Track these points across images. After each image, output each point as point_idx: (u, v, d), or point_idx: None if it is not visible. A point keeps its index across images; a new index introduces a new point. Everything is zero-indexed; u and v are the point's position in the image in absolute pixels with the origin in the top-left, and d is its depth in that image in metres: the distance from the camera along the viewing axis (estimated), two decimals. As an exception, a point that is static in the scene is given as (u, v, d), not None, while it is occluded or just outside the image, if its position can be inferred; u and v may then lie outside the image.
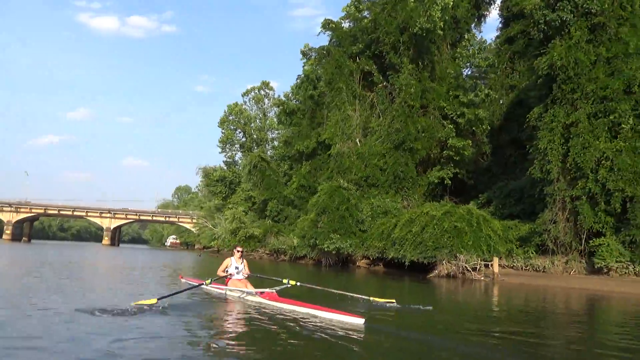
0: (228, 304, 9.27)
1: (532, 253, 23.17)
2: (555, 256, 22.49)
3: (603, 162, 20.86)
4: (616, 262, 20.17)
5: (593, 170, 21.13)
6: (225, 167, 66.69)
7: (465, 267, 21.83)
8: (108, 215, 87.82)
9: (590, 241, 21.29)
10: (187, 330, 6.28)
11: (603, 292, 17.35)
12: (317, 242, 28.07)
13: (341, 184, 29.75)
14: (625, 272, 20.04)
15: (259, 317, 7.69)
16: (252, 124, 64.70)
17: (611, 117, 20.94)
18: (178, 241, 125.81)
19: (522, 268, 23.19)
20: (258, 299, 9.41)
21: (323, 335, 6.22)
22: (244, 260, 10.67)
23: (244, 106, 66.07)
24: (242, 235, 42.17)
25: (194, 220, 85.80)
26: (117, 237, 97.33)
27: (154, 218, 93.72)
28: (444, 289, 17.24)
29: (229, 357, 4.95)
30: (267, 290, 9.55)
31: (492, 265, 21.55)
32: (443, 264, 22.90)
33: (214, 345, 5.44)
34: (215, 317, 8.00)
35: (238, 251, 10.63)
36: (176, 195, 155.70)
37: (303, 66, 49.15)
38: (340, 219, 28.37)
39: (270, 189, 48.66)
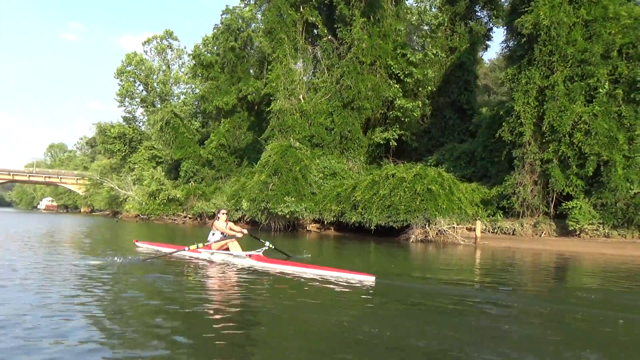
0: (226, 268, 9.16)
1: (500, 216, 22.60)
2: (524, 219, 22.12)
3: (579, 125, 20.53)
4: (589, 224, 20.16)
5: (568, 134, 20.74)
6: (124, 123, 59.54)
7: (446, 230, 20.56)
8: (-26, 174, 75.21)
9: (563, 204, 21.12)
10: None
11: (594, 254, 17.00)
12: (269, 205, 25.15)
13: (292, 143, 26.86)
14: (596, 234, 20.12)
15: (261, 278, 7.88)
16: (155, 76, 58.03)
17: (589, 81, 20.55)
18: (55, 204, 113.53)
19: (489, 231, 22.58)
20: (250, 261, 9.52)
21: (337, 293, 6.59)
22: (229, 223, 10.71)
23: (144, 56, 58.93)
24: (162, 199, 37.53)
25: (80, 181, 77.07)
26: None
27: (31, 178, 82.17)
28: (428, 253, 15.69)
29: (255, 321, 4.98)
30: (253, 252, 9.74)
31: (474, 229, 20.50)
32: (418, 228, 21.45)
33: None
34: (215, 280, 7.85)
35: (223, 214, 10.69)
36: (49, 154, 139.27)
37: (222, 14, 44.30)
38: (293, 181, 25.64)
39: (184, 147, 44.33)
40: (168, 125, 44.14)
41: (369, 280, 7.77)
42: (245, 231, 10.54)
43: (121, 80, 57.16)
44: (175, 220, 38.52)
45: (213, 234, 10.61)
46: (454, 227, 21.11)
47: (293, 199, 25.53)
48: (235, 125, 45.39)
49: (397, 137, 30.63)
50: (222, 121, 44.16)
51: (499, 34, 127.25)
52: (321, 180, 27.53)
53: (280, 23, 30.98)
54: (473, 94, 33.40)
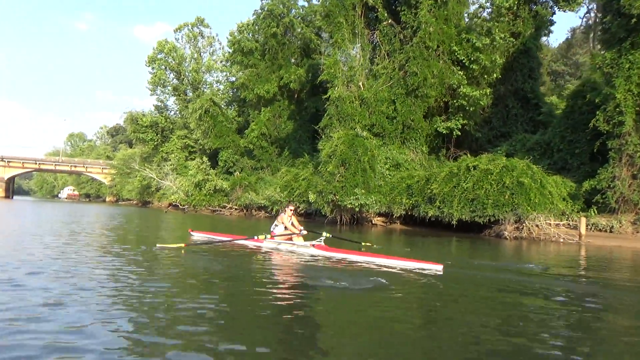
0: (289, 256, 9.41)
1: (594, 212, 20.68)
2: (622, 215, 20.19)
3: (691, 114, 18.51)
4: (702, 221, 18.22)
5: (677, 123, 18.75)
6: (156, 112, 57.92)
7: (544, 226, 18.71)
8: (1, 163, 73.89)
9: (670, 199, 19.16)
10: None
11: None
12: (337, 197, 23.42)
13: (358, 132, 25.04)
14: None
15: (325, 266, 8.15)
16: (187, 64, 56.22)
17: None
18: (77, 193, 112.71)
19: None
20: (314, 250, 9.79)
21: (405, 281, 6.85)
22: (292, 219, 11.00)
23: (176, 44, 57.09)
24: (208, 189, 35.86)
25: (106, 171, 75.86)
26: (12, 188, 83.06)
27: (57, 167, 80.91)
28: (530, 250, 13.90)
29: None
30: (315, 242, 10.04)
31: (579, 225, 18.63)
32: (508, 224, 19.63)
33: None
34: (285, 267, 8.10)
35: (291, 209, 11.04)
36: (69, 143, 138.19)
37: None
38: (362, 172, 23.87)
39: (223, 136, 42.65)
40: (207, 114, 42.49)
41: (436, 268, 7.99)
42: (305, 232, 10.68)
43: (153, 68, 55.40)
44: (221, 211, 36.88)
45: (276, 226, 11.03)
46: (550, 224, 19.24)
47: (363, 190, 23.75)
48: (276, 114, 43.64)
49: (460, 126, 28.63)
50: (262, 110, 42.33)
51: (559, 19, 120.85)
52: (387, 172, 25.73)
53: (339, 6, 29.03)
54: (537, 82, 31.35)
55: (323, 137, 29.18)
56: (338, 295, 5.72)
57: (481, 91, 27.80)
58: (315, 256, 9.53)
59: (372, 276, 7.06)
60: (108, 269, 6.86)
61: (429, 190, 22.86)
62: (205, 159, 38.76)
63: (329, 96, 28.90)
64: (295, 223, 11.08)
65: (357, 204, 23.63)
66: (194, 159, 51.23)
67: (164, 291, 5.40)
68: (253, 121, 42.92)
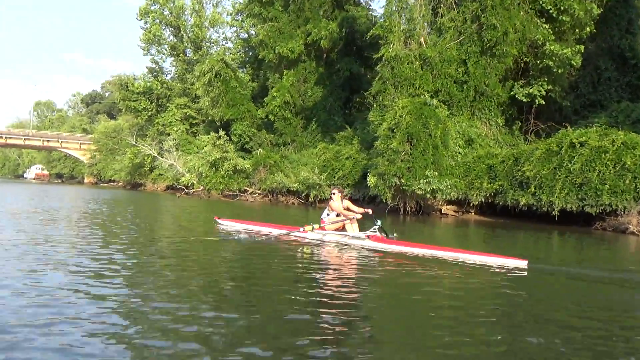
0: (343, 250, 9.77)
1: None
2: None
3: None
4: None
5: None
6: (150, 76, 56.50)
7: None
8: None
9: None
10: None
11: None
12: (403, 181, 22.22)
13: (427, 100, 23.72)
14: None
15: (385, 262, 8.65)
16: (188, 18, 54.59)
17: None
18: (46, 172, 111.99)
19: None
20: (370, 243, 10.00)
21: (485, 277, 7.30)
22: (344, 202, 11.25)
23: (173, -6, 55.37)
24: (227, 170, 34.65)
25: (85, 147, 74.86)
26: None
27: (27, 142, 79.73)
28: None
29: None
30: (370, 232, 10.18)
31: None
32: (631, 215, 18.43)
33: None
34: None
35: (335, 194, 11.32)
36: (35, 113, 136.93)
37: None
38: (433, 150, 22.63)
39: (237, 106, 41.29)
40: (217, 78, 41.03)
41: (521, 264, 8.19)
42: (370, 211, 10.81)
43: (146, 23, 53.78)
44: (241, 196, 35.72)
45: (328, 215, 11.16)
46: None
47: (436, 173, 22.53)
48: (301, 78, 42.23)
49: (544, 93, 27.22)
50: (284, 73, 40.84)
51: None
52: (460, 149, 24.50)
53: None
54: (636, 38, 29.75)
55: (374, 105, 27.86)
56: (399, 300, 5.88)
57: (573, 48, 26.28)
58: (372, 250, 9.77)
59: (440, 272, 7.56)
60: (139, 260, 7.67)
61: (519, 173, 21.67)
62: (222, 133, 37.37)
63: (382, 56, 27.47)
64: (352, 206, 11.19)
65: (427, 189, 22.40)
66: (196, 133, 50.08)
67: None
68: (273, 87, 41.48)
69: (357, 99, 44.54)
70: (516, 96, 27.66)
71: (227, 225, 12.91)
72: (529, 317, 5.26)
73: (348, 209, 11.07)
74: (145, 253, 8.48)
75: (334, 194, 11.44)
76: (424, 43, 27.68)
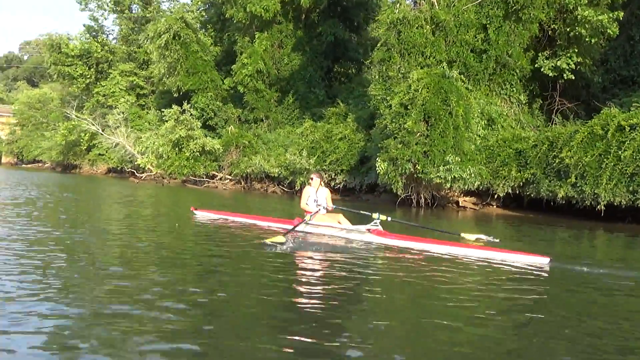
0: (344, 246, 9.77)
1: None
2: None
3: None
4: None
5: None
6: (88, 37, 53.77)
7: None
8: None
9: None
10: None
11: None
12: (418, 168, 21.24)
13: (446, 71, 22.71)
14: None
15: (391, 258, 8.83)
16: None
17: None
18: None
19: None
20: (372, 237, 10.18)
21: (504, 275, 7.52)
22: (326, 190, 11.59)
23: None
24: (193, 150, 32.90)
25: (2, 121, 71.43)
26: None
27: None
28: None
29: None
30: (371, 226, 10.32)
31: None
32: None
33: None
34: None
35: (311, 178, 11.68)
36: None
37: None
38: (454, 132, 21.71)
39: (198, 74, 39.54)
40: (176, 40, 38.99)
41: (541, 262, 8.45)
42: (331, 206, 11.20)
43: (83, -28, 50.91)
44: (209, 182, 34.06)
45: (307, 205, 11.33)
46: None
47: (458, 158, 21.62)
48: (275, 43, 40.67)
49: (573, 66, 26.56)
50: (257, 36, 39.17)
51: None
52: (482, 130, 23.68)
53: None
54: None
55: (376, 77, 26.67)
56: (411, 300, 6.07)
57: (609, 15, 25.63)
58: (375, 245, 9.95)
59: (450, 270, 7.69)
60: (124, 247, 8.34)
61: (556, 160, 20.93)
62: (187, 106, 35.43)
63: (382, 19, 26.46)
64: (328, 199, 11.41)
65: (448, 178, 21.45)
66: (144, 106, 47.99)
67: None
68: (242, 52, 39.73)
69: (340, 69, 43.45)
70: (541, 69, 26.82)
71: (205, 216, 12.88)
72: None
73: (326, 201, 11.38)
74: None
75: (312, 178, 11.60)
76: (436, 4, 26.57)
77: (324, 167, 28.57)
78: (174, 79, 40.49)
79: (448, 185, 22.09)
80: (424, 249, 9.47)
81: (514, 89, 26.52)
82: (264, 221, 12.17)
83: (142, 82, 51.01)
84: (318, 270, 7.62)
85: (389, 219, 10.60)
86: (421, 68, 26.14)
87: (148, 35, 40.76)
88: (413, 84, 22.40)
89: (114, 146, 42.70)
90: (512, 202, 23.81)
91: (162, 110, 36.77)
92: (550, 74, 26.91)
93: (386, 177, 22.58)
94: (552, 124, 26.70)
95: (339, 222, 10.95)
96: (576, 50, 26.73)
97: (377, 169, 22.47)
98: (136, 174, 39.22)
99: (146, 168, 37.04)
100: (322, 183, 11.72)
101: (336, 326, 4.66)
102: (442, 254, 9.01)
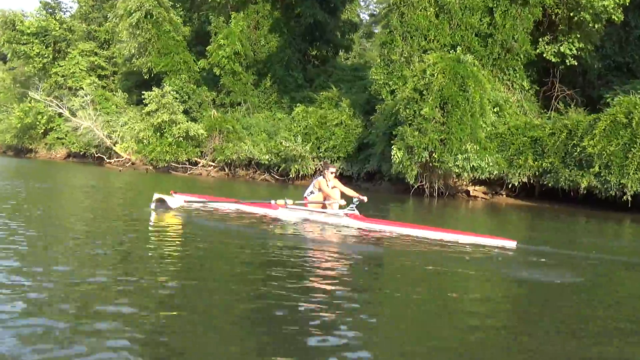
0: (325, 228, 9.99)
1: None
2: None
3: None
4: None
5: None
6: (44, 14, 50.53)
7: None
8: None
9: None
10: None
11: None
12: (435, 156, 20.29)
13: (461, 56, 21.75)
14: None
15: (364, 243, 8.97)
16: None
17: None
18: None
19: None
20: (348, 221, 10.14)
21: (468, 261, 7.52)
22: (333, 182, 11.07)
23: None
24: (176, 136, 30.94)
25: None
26: None
27: None
28: None
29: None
30: (349, 210, 10.29)
31: None
32: None
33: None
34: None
35: (332, 172, 11.11)
36: None
37: None
38: (471, 119, 20.81)
39: (170, 55, 37.44)
40: (148, 19, 36.71)
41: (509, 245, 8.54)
42: (365, 198, 10.64)
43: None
44: (191, 169, 32.20)
45: (312, 193, 11.06)
46: None
47: (476, 146, 20.73)
48: (251, 24, 38.85)
49: (575, 52, 26.00)
50: (232, 17, 37.29)
51: None
52: (493, 117, 22.86)
53: None
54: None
55: (379, 60, 25.57)
56: (380, 287, 5.92)
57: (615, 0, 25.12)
58: (350, 229, 9.92)
59: (427, 255, 7.78)
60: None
61: (576, 149, 20.28)
62: (168, 88, 33.26)
63: (389, -1, 25.19)
64: (342, 188, 11.03)
65: (467, 167, 20.53)
66: (105, 88, 45.46)
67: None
68: (217, 33, 37.77)
69: (316, 52, 42.11)
70: (543, 55, 26.14)
71: (186, 199, 12.08)
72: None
73: (341, 192, 10.96)
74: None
75: (332, 172, 11.09)
76: (440, -15, 25.54)
77: (320, 154, 27.21)
78: (145, 60, 38.23)
79: (465, 174, 21.17)
80: (402, 232, 9.50)
81: (517, 74, 25.82)
82: (246, 206, 11.82)
83: (104, 63, 48.21)
84: (296, 256, 7.14)
85: (365, 198, 10.56)
86: (424, 52, 25.23)
87: (117, 13, 38.25)
88: (428, 69, 21.27)
89: (77, 129, 39.99)
90: (522, 192, 23.04)
91: (143, 93, 34.39)
92: (553, 60, 26.28)
93: (400, 165, 21.38)
94: (551, 111, 26.15)
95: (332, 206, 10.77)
96: (578, 36, 26.12)
97: (392, 157, 21.25)
98: (106, 160, 36.89)
99: (123, 154, 34.73)
100: (335, 175, 11.41)
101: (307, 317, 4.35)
102: (418, 237, 9.09)
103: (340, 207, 10.68)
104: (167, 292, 4.91)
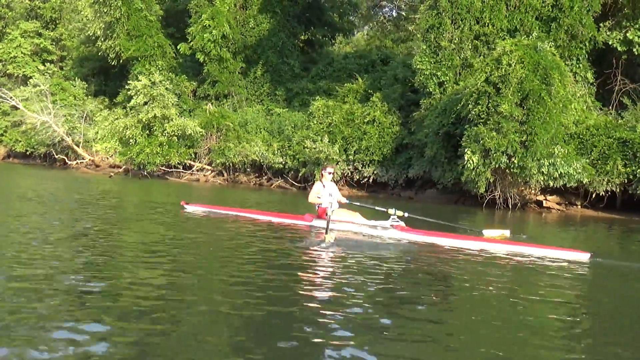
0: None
1: None
2: None
3: None
4: None
5: None
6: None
7: None
8: None
9: None
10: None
11: None
12: (516, 161, 18.86)
13: (538, 45, 20.36)
14: None
15: (419, 255, 9.11)
16: None
17: None
18: None
19: None
20: (397, 233, 10.43)
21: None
22: (330, 185, 11.55)
23: None
24: (170, 133, 28.43)
25: None
26: None
27: None
28: None
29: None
30: (392, 222, 10.61)
31: None
32: None
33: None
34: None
35: (329, 172, 11.65)
36: None
37: None
38: (556, 118, 19.52)
39: (143, 37, 35.10)
40: (118, -4, 34.10)
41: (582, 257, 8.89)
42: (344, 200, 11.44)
43: None
44: (183, 174, 29.73)
45: (319, 198, 11.26)
46: None
47: (563, 150, 19.41)
48: (237, 2, 36.77)
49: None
50: (215, -3, 35.00)
51: None
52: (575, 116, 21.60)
53: None
54: None
55: (424, 47, 23.91)
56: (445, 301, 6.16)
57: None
58: (401, 241, 10.18)
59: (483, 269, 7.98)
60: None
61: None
62: (158, 76, 30.50)
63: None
64: (337, 195, 11.36)
65: (554, 174, 19.14)
66: (52, 74, 42.36)
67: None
68: (198, 12, 35.36)
69: (311, 37, 40.42)
70: (609, 43, 25.03)
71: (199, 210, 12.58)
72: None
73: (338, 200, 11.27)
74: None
75: (329, 172, 11.58)
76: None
77: (349, 157, 25.36)
78: (112, 43, 35.46)
79: (551, 182, 19.71)
80: (451, 244, 9.82)
81: (580, 65, 24.42)
82: (268, 216, 12.14)
83: (51, 46, 45.00)
84: (353, 268, 7.44)
85: (406, 214, 10.65)
86: (476, 38, 23.80)
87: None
88: (504, 58, 19.61)
89: (20, 125, 36.82)
90: (598, 202, 21.78)
91: (105, 82, 31.64)
92: (619, 48, 25.16)
93: (474, 172, 19.74)
94: (613, 107, 25.14)
95: (354, 215, 11.19)
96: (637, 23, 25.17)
97: (465, 162, 19.53)
98: (67, 160, 33.98)
99: (87, 156, 31.74)
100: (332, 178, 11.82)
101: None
102: (469, 249, 9.44)
103: (341, 205, 11.08)
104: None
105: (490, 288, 6.70)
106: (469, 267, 8.08)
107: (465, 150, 19.51)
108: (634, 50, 24.86)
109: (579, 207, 22.06)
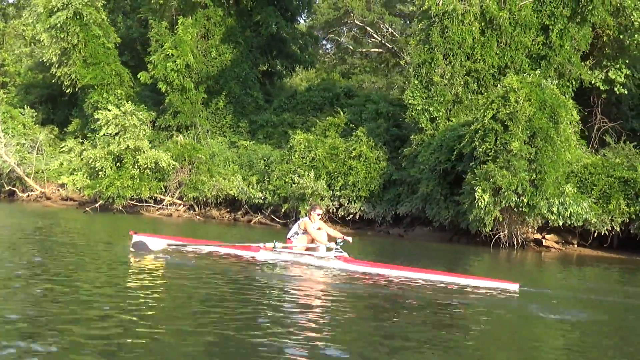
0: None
1: None
2: None
3: None
4: None
5: None
6: None
7: None
8: None
9: None
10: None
11: None
12: (525, 200, 18.73)
13: (542, 81, 20.47)
14: None
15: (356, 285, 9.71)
16: None
17: None
18: None
19: None
20: (339, 264, 10.86)
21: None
22: (317, 223, 11.72)
23: None
24: (144, 166, 26.98)
25: None
26: None
27: None
28: None
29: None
30: (337, 253, 11.05)
31: None
32: None
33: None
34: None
35: (318, 214, 11.72)
36: None
37: None
38: (563, 155, 19.61)
39: (100, 65, 33.82)
40: (76, 21, 32.67)
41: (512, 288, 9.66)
42: (350, 239, 11.51)
43: None
44: (151, 209, 28.21)
45: (297, 234, 11.64)
46: None
47: (573, 189, 19.39)
48: (199, 32, 35.97)
49: (623, 80, 25.62)
50: (180, 22, 34.07)
51: None
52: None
53: None
54: None
55: (415, 80, 23.68)
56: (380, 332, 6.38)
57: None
58: (339, 271, 10.68)
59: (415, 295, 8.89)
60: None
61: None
62: (129, 106, 28.90)
63: (428, 10, 23.63)
64: (328, 230, 11.90)
65: (564, 214, 19.02)
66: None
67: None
68: (159, 41, 34.27)
69: (272, 69, 39.91)
70: (591, 82, 25.40)
71: (148, 243, 11.78)
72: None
73: (329, 235, 11.66)
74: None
75: (318, 214, 11.71)
76: (487, -2, 24.25)
77: (335, 193, 24.65)
78: (68, 70, 33.88)
79: (560, 222, 19.52)
80: (398, 275, 10.35)
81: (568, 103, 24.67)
82: (225, 248, 12.21)
83: (12, 68, 43.00)
84: (282, 299, 7.71)
85: (350, 240, 11.43)
86: (467, 74, 23.76)
87: (35, 10, 33.65)
88: (513, 95, 19.45)
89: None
90: (594, 241, 21.79)
91: (53, 109, 29.80)
92: (601, 87, 25.63)
93: (482, 211, 19.31)
94: (592, 145, 25.47)
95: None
96: (627, 61, 25.71)
97: (476, 201, 19.09)
98: (20, 194, 31.93)
99: (78, 188, 29.76)
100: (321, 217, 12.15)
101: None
102: (410, 279, 10.12)
103: (328, 249, 11.15)
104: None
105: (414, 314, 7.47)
106: (406, 294, 8.89)
107: (476, 189, 19.07)
108: (616, 89, 25.30)
109: (576, 245, 21.92)
